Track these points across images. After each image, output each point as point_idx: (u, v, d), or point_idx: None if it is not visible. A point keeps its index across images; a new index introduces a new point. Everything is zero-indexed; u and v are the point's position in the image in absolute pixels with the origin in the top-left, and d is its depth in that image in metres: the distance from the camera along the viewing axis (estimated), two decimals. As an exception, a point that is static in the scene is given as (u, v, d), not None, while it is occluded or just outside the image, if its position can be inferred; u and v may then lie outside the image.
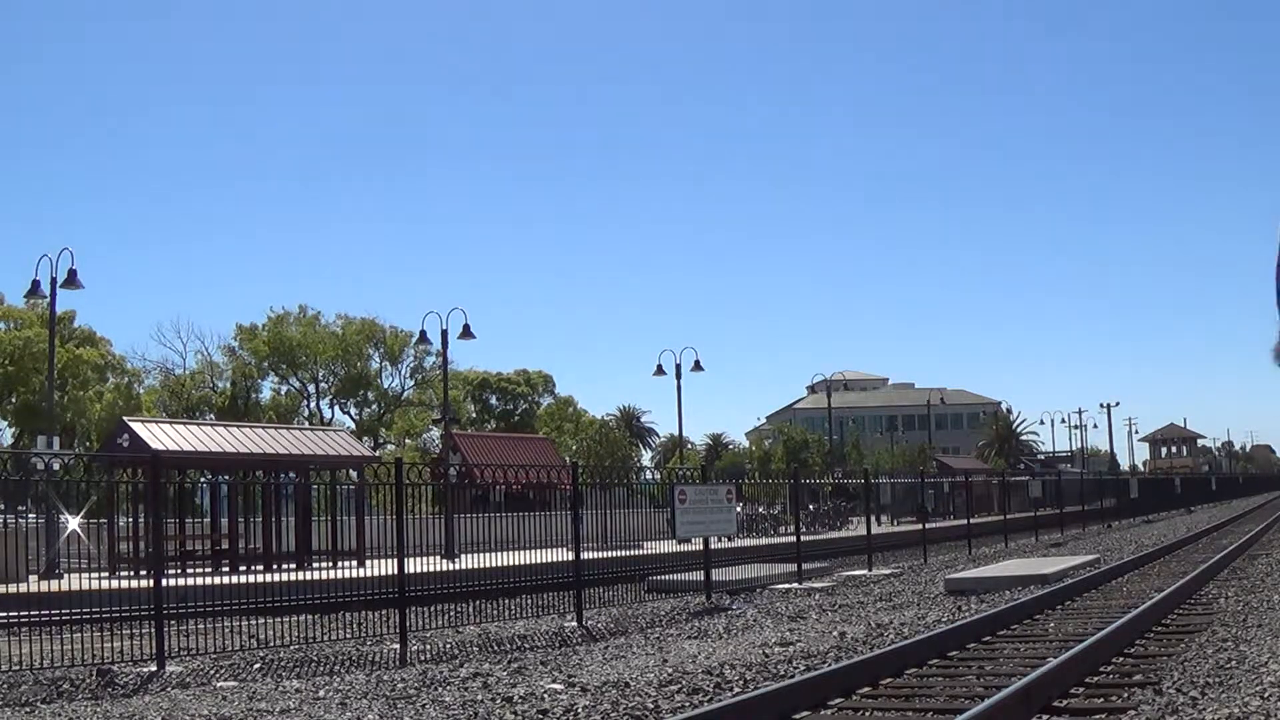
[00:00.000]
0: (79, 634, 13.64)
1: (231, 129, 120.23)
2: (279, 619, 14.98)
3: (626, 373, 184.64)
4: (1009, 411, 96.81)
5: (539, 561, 19.38)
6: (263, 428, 32.47)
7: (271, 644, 14.35)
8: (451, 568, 18.57)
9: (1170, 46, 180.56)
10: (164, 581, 13.61)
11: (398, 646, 14.71)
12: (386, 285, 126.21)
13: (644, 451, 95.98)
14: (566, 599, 17.93)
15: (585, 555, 18.23)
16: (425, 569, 16.17)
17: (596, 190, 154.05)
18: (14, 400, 63.21)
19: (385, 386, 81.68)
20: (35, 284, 27.66)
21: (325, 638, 15.27)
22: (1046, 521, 40.14)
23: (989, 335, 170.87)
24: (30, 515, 22.30)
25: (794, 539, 26.09)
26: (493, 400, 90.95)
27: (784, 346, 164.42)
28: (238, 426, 30.62)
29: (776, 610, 17.67)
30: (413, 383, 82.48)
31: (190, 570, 19.71)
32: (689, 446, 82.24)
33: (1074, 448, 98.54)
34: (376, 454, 53.35)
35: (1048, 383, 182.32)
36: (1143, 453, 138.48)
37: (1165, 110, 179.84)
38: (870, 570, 25.87)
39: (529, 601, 18.10)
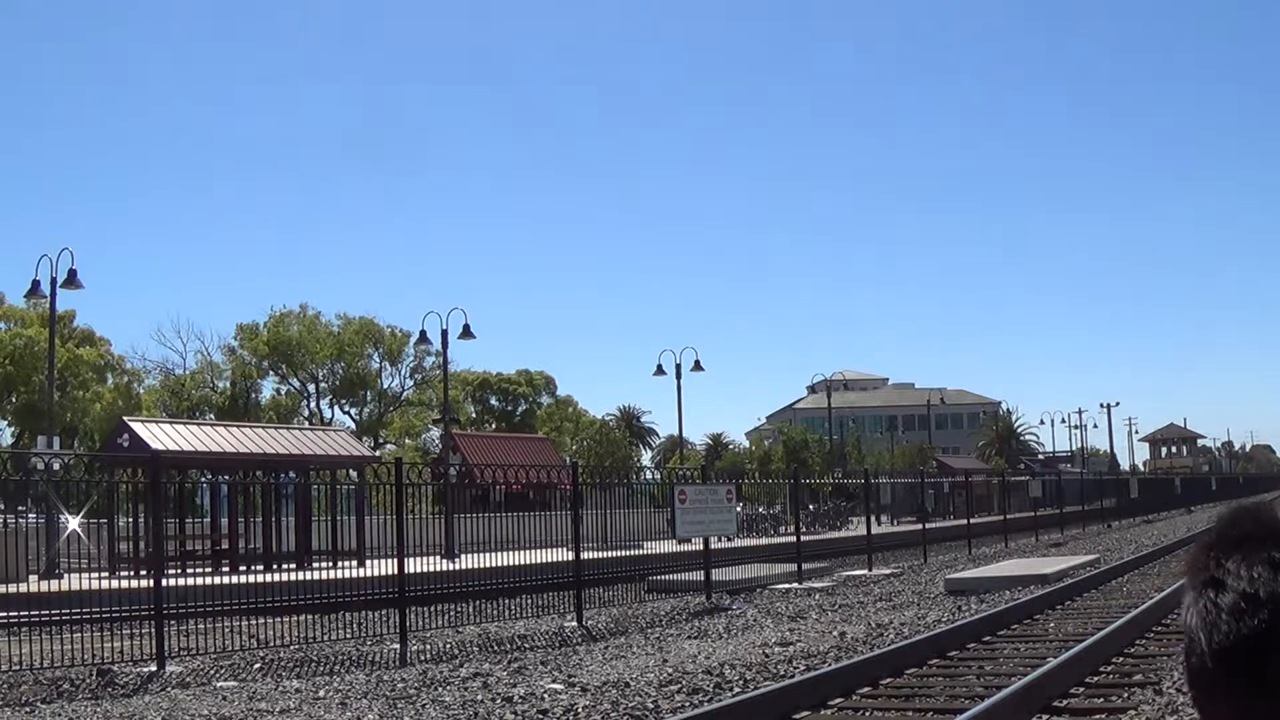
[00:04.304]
0: (79, 634, 13.62)
1: (231, 129, 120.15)
2: (279, 619, 14.98)
3: (626, 373, 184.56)
4: (1009, 411, 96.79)
5: (539, 561, 19.38)
6: (263, 428, 32.47)
7: (271, 644, 14.35)
8: (451, 568, 18.56)
9: (1170, 44, 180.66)
10: (164, 581, 13.61)
11: (398, 646, 14.70)
12: (386, 285, 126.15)
13: (644, 451, 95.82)
14: (566, 599, 17.93)
15: (585, 555, 18.24)
16: (425, 569, 16.17)
17: (597, 190, 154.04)
18: (14, 400, 63.20)
19: (385, 386, 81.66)
20: (35, 284, 27.64)
21: (325, 638, 15.26)
22: (1046, 521, 40.12)
23: (989, 335, 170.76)
24: (30, 515, 22.30)
25: (794, 539, 26.08)
26: (493, 400, 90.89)
27: (784, 346, 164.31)
28: (238, 426, 30.62)
29: (776, 610, 17.67)
30: (412, 383, 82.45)
31: (190, 570, 19.70)
32: (689, 446, 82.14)
33: (1074, 448, 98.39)
34: (376, 454, 53.32)
35: (1048, 383, 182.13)
36: (1143, 453, 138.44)
37: (1164, 109, 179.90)
38: (870, 570, 25.86)
39: (529, 601, 18.10)
